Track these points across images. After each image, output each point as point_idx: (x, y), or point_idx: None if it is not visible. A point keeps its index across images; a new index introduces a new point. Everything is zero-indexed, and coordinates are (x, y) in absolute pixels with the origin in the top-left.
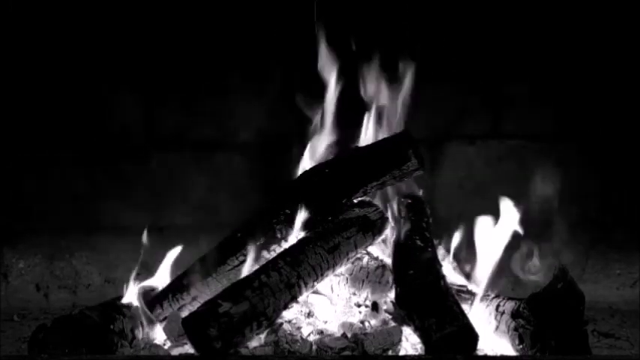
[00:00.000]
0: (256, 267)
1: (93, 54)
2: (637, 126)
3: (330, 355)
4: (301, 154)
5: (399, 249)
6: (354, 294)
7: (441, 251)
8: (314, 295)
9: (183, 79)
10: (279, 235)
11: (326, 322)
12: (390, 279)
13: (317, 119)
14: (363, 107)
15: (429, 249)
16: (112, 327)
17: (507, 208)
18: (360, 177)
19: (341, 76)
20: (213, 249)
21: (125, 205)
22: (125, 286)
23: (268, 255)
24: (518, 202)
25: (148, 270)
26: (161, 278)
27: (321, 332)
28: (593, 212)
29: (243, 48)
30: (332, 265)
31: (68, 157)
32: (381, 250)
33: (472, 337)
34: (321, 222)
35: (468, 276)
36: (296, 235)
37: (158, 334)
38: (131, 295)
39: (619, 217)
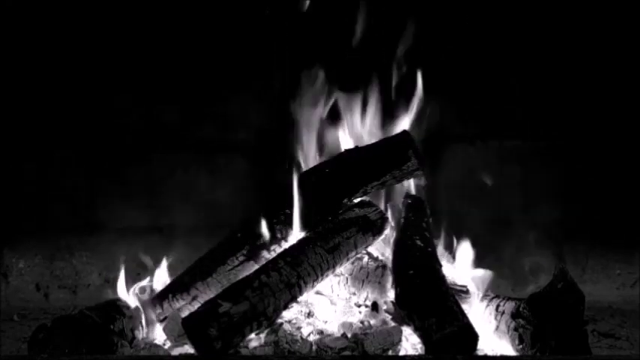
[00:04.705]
0: (256, 267)
1: (93, 54)
2: (636, 126)
3: (330, 355)
4: (301, 154)
5: (399, 249)
6: (354, 294)
7: (440, 251)
8: (314, 295)
9: (184, 80)
10: (279, 235)
11: (326, 322)
12: (390, 279)
13: (317, 120)
14: (362, 107)
15: (429, 249)
16: (112, 327)
17: None
18: (360, 177)
19: (340, 76)
20: (213, 249)
21: (125, 205)
22: (125, 286)
23: (268, 255)
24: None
25: (148, 270)
26: (160, 278)
27: (321, 332)
28: (593, 212)
29: (244, 50)
30: (332, 265)
31: (68, 157)
32: (381, 250)
33: (472, 337)
34: (321, 222)
35: (468, 276)
36: (296, 235)
37: (158, 334)
38: (131, 296)
39: (619, 217)
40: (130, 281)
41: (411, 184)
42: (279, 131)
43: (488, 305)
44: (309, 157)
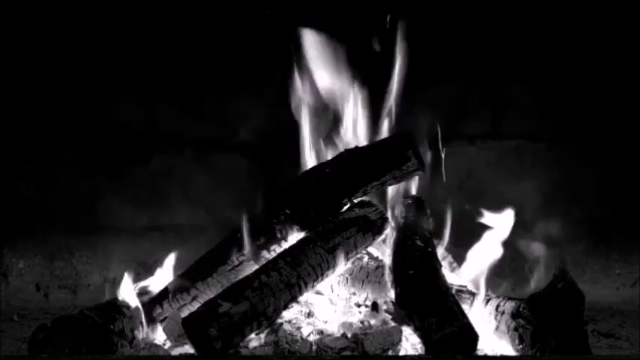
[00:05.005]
0: (256, 267)
1: (94, 54)
2: (636, 126)
3: (330, 355)
4: (301, 154)
5: (399, 249)
6: (354, 294)
7: (440, 251)
8: (314, 295)
9: (184, 80)
10: (279, 235)
11: (326, 322)
12: (390, 279)
13: (316, 120)
14: (362, 107)
15: (429, 249)
16: (112, 327)
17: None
18: (360, 177)
19: (339, 76)
20: (213, 249)
21: (125, 205)
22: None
23: (268, 255)
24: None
25: (148, 270)
26: (161, 278)
27: (321, 332)
28: (593, 212)
29: (244, 50)
30: (332, 265)
31: (68, 157)
32: (381, 250)
33: (472, 337)
34: (321, 222)
35: (468, 276)
36: (296, 235)
37: (158, 334)
38: (131, 295)
39: (619, 217)
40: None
41: (410, 184)
42: (279, 131)
43: (488, 305)
44: (309, 156)
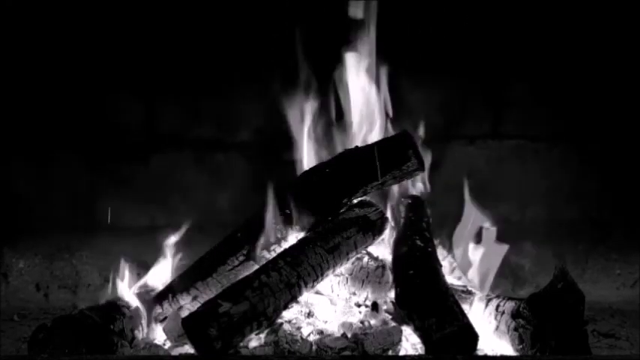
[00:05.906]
0: (256, 267)
1: (93, 53)
2: (636, 126)
3: (330, 355)
4: (301, 154)
5: (399, 249)
6: (354, 294)
7: (440, 251)
8: (314, 295)
9: (184, 80)
10: (279, 235)
11: (326, 322)
12: (390, 279)
13: (316, 120)
14: (361, 107)
15: (429, 249)
16: (112, 327)
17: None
18: (360, 177)
19: (339, 76)
20: (214, 249)
21: (125, 205)
22: (124, 285)
23: (268, 255)
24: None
25: (148, 270)
26: (160, 278)
27: (321, 332)
28: (593, 212)
29: (244, 49)
30: (332, 265)
31: (68, 156)
32: (381, 250)
33: (472, 337)
34: (321, 222)
35: (468, 276)
36: (296, 235)
37: (158, 334)
38: (131, 295)
39: (619, 217)
40: (132, 281)
41: (410, 184)
42: (279, 131)
43: (488, 305)
44: (309, 156)
